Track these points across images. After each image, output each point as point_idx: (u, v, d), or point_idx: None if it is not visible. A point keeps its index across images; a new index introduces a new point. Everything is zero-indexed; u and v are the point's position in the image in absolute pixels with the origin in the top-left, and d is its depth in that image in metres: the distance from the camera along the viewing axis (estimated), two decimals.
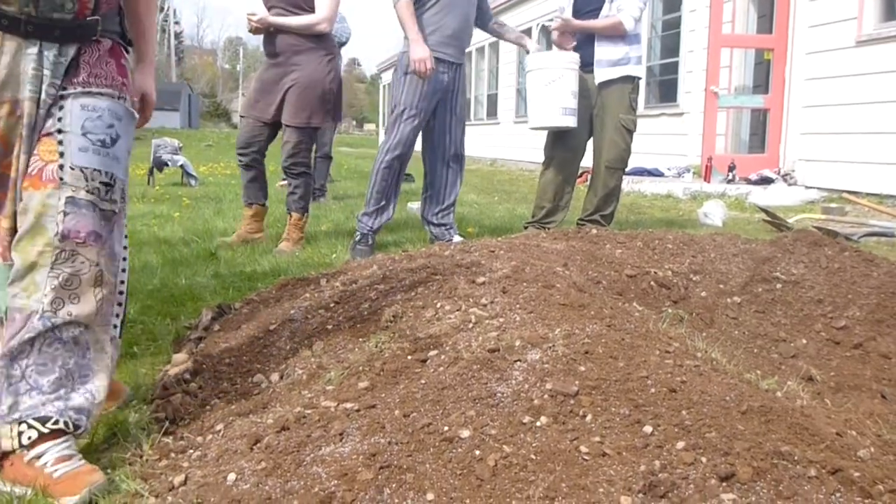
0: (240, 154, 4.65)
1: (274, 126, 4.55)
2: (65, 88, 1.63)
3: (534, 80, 4.49)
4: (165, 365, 2.42)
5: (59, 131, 1.61)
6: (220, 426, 1.81)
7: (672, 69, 10.86)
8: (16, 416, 1.57)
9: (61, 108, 1.62)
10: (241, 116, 4.70)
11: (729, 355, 2.31)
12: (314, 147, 5.11)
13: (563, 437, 1.43)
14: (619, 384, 1.59)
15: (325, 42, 4.46)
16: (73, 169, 1.60)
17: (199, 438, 1.77)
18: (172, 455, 1.71)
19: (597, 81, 4.53)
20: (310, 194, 4.76)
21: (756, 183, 8.10)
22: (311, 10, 4.34)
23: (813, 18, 7.98)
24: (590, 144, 4.79)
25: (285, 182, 8.29)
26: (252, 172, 4.65)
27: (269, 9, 4.40)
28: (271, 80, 4.44)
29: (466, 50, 4.50)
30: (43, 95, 1.60)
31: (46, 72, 1.59)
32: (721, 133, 9.25)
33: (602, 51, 4.50)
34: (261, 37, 4.54)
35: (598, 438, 1.42)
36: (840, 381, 2.41)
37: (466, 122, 4.81)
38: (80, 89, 1.64)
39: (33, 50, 1.56)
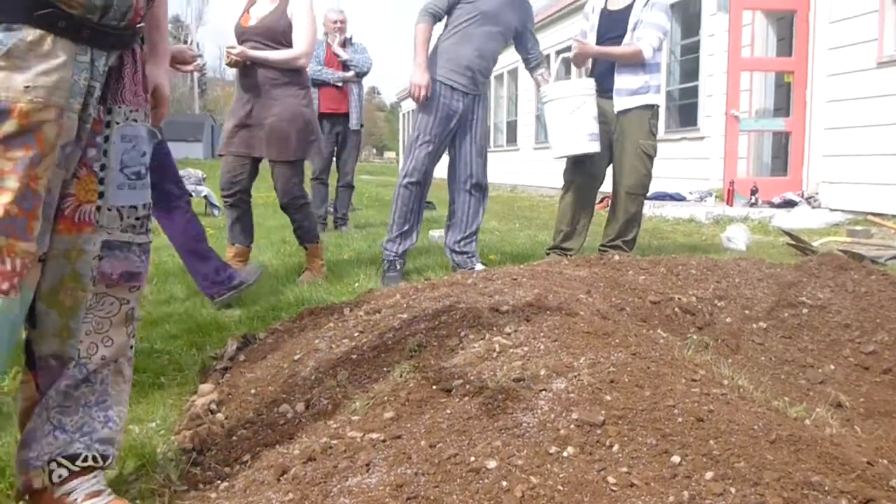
0: (224, 195, 4.48)
1: (255, 161, 4.39)
2: (110, 110, 1.51)
3: (556, 109, 4.51)
4: (192, 395, 2.44)
5: (103, 167, 1.51)
6: (247, 457, 1.82)
7: (692, 93, 10.87)
8: (45, 458, 1.56)
9: (107, 138, 1.51)
10: (220, 155, 4.52)
11: (756, 382, 2.29)
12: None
13: (590, 467, 1.42)
14: (645, 413, 1.59)
15: (300, 76, 4.38)
16: (110, 210, 1.52)
17: (227, 469, 1.78)
18: (200, 486, 1.72)
19: (616, 110, 4.55)
20: (315, 222, 4.68)
21: (779, 206, 8.06)
22: (288, 44, 4.25)
23: (833, 41, 7.97)
24: (610, 170, 4.81)
25: None
26: (237, 212, 4.47)
27: (242, 42, 4.28)
28: (249, 114, 4.29)
29: (483, 81, 4.52)
30: (91, 110, 1.46)
31: (95, 83, 1.45)
32: (743, 156, 9.22)
33: (622, 80, 4.53)
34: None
35: (625, 469, 1.41)
36: (870, 407, 2.38)
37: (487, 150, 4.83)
38: (124, 116, 1.53)
39: (85, 58, 1.42)
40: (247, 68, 4.29)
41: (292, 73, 4.31)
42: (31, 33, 1.33)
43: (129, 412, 2.29)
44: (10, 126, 1.31)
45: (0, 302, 1.34)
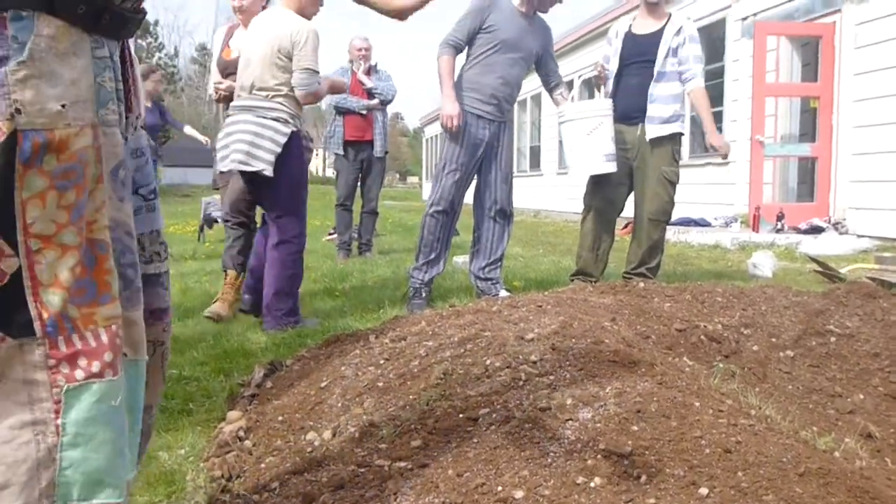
0: (228, 220, 4.34)
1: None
2: (126, 116, 1.16)
3: (574, 129, 4.54)
4: (220, 422, 2.47)
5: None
6: (275, 484, 1.83)
7: (716, 119, 10.80)
8: None
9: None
10: (216, 188, 4.36)
11: (783, 412, 2.27)
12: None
13: (617, 498, 1.42)
14: (672, 444, 1.58)
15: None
16: None
17: (255, 496, 1.80)
18: None
19: (648, 137, 4.57)
20: (249, 249, 4.29)
21: (806, 232, 7.99)
22: None
23: (858, 66, 7.94)
24: (632, 196, 4.82)
25: (332, 236, 8.39)
26: (243, 236, 4.26)
27: (227, 75, 4.16)
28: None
29: (508, 108, 4.57)
30: (122, 119, 1.12)
31: (120, 85, 1.11)
32: (768, 182, 9.17)
33: (655, 108, 4.56)
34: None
35: (653, 500, 1.41)
36: None
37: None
38: (132, 125, 1.21)
39: (104, 52, 1.06)
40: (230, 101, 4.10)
41: None
42: (47, 25, 0.97)
43: (158, 438, 2.33)
44: (52, 163, 0.96)
45: (95, 387, 1.01)
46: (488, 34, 4.37)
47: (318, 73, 3.83)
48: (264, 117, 3.76)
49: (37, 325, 0.96)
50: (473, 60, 4.44)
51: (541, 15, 4.60)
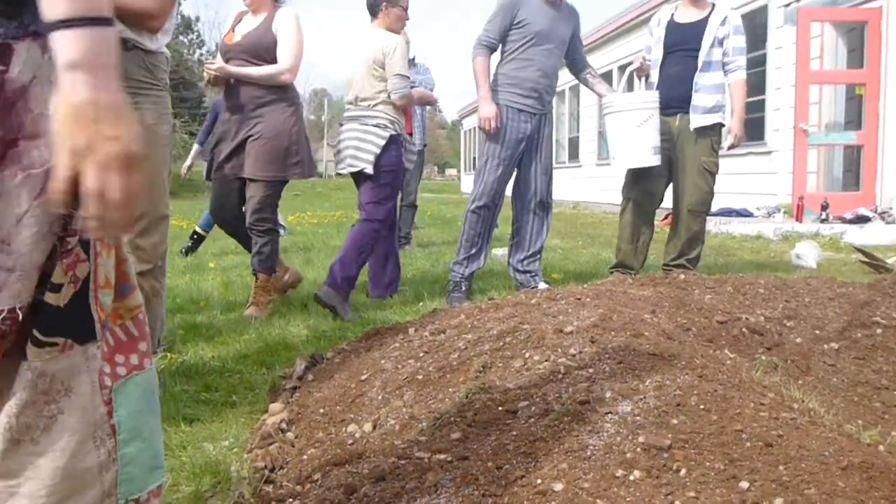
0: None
1: (243, 183, 4.19)
2: None
3: (622, 120, 4.50)
4: (263, 414, 2.51)
5: None
6: (317, 475, 1.86)
7: (759, 107, 10.66)
8: None
9: None
10: (209, 180, 4.41)
11: (827, 405, 2.24)
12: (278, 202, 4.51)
13: (657, 491, 1.42)
14: (712, 437, 1.58)
15: (288, 93, 4.17)
16: None
17: (298, 487, 1.83)
18: (273, 503, 1.77)
19: (692, 127, 4.53)
20: (277, 252, 4.34)
21: (851, 222, 7.84)
22: (274, 60, 4.05)
23: None
24: (671, 187, 4.77)
25: None
26: (269, 241, 4.24)
27: (227, 60, 4.14)
28: (235, 134, 4.14)
29: (549, 99, 4.57)
30: None
31: None
32: (812, 171, 9.01)
33: (699, 97, 4.54)
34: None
35: (692, 493, 1.41)
36: None
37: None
38: None
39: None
40: (231, 87, 4.14)
41: (278, 90, 4.11)
42: None
43: (202, 430, 2.39)
44: None
45: (137, 380, 1.03)
46: (521, 29, 4.36)
47: (408, 77, 4.29)
48: (366, 124, 4.24)
49: (97, 328, 0.97)
50: (510, 56, 4.43)
51: (568, 1, 4.59)
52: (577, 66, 4.78)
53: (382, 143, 4.20)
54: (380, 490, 1.60)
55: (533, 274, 4.60)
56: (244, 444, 2.25)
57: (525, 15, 4.35)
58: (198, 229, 7.38)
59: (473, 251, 4.51)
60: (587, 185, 16.45)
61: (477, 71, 4.41)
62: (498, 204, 4.55)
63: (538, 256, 4.65)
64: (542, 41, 4.39)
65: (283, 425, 2.32)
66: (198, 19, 42.39)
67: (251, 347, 3.48)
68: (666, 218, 7.48)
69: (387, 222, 4.45)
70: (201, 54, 39.68)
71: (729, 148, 4.71)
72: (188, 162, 8.32)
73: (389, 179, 4.31)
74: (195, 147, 7.84)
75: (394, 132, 4.25)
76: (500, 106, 4.38)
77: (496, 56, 4.53)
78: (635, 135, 4.45)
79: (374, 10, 4.40)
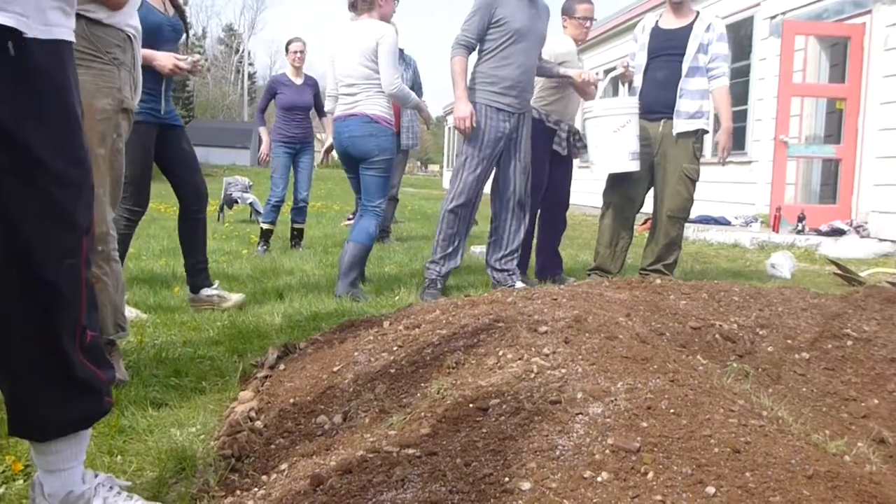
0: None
1: None
2: None
3: (601, 126, 4.51)
4: (232, 401, 2.49)
5: None
6: (284, 465, 1.85)
7: (741, 117, 10.74)
8: None
9: None
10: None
11: (796, 413, 2.26)
12: None
13: (623, 493, 1.42)
14: (681, 442, 1.58)
15: None
16: None
17: (264, 477, 1.82)
18: (238, 492, 1.75)
19: (675, 132, 4.55)
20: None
21: (827, 234, 7.92)
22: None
23: (887, 68, 7.84)
24: (651, 192, 4.80)
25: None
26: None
27: None
28: None
29: (528, 97, 4.56)
30: None
31: None
32: (791, 182, 9.09)
33: (683, 103, 4.56)
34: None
35: (659, 497, 1.41)
36: None
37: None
38: None
39: None
40: None
41: None
42: None
43: (170, 415, 2.36)
44: None
45: None
46: (500, 27, 4.35)
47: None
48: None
49: None
50: (488, 55, 4.41)
51: None
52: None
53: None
54: (346, 483, 1.59)
55: (510, 273, 4.60)
56: (212, 431, 2.23)
57: (503, 13, 4.33)
58: (264, 225, 7.03)
59: (450, 250, 4.50)
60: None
61: (454, 70, 4.40)
62: (475, 203, 4.54)
63: (515, 255, 4.65)
64: (521, 39, 4.37)
65: (252, 414, 2.30)
66: (185, 2, 41.97)
67: (224, 334, 3.45)
68: (645, 223, 7.52)
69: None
70: (186, 37, 39.28)
71: (722, 163, 4.76)
72: (264, 148, 7.45)
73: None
74: (262, 129, 7.49)
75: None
76: (478, 105, 4.37)
77: (476, 55, 4.52)
78: (613, 140, 4.46)
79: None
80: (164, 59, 3.65)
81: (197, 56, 3.84)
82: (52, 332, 1.46)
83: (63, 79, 1.45)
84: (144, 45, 3.58)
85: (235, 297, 4.11)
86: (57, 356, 1.47)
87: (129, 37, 2.66)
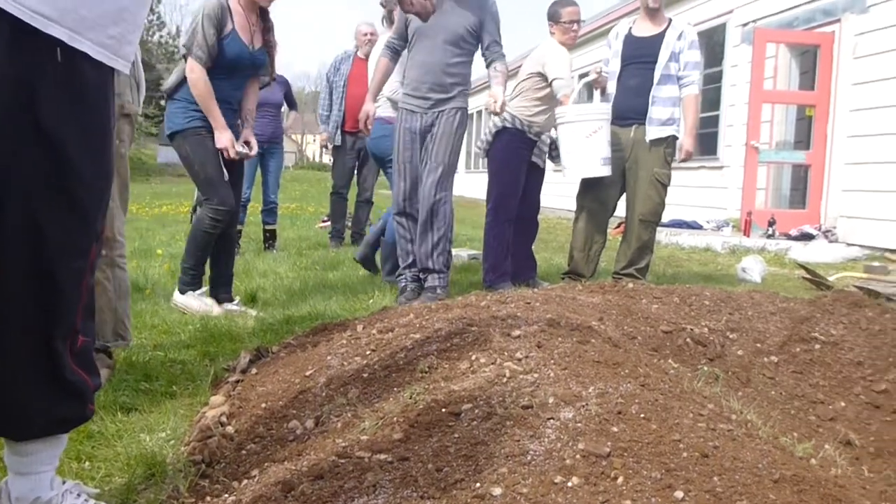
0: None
1: None
2: None
3: (573, 131, 4.54)
4: (203, 406, 2.47)
5: None
6: (255, 471, 1.84)
7: (713, 122, 10.86)
8: None
9: None
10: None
11: (765, 416, 2.29)
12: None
13: (594, 498, 1.43)
14: (651, 447, 1.59)
15: None
16: None
17: (235, 483, 1.81)
18: (208, 498, 1.74)
19: (647, 138, 4.59)
20: None
21: (796, 239, 8.03)
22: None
23: (856, 76, 7.96)
24: (624, 197, 4.84)
25: (325, 223, 8.35)
26: None
27: None
28: None
29: (440, 96, 4.35)
30: None
31: None
32: (761, 187, 9.21)
33: (655, 110, 4.60)
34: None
35: (629, 502, 1.42)
36: (880, 446, 2.38)
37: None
38: None
39: None
40: None
41: None
42: None
43: (140, 420, 2.34)
44: None
45: None
46: (409, 27, 4.37)
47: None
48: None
49: None
50: (408, 57, 4.46)
51: None
52: (484, 57, 4.48)
53: None
54: (318, 489, 1.59)
55: (429, 272, 4.43)
56: (182, 436, 2.21)
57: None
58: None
59: (410, 259, 4.48)
60: (542, 190, 16.52)
61: (375, 68, 4.56)
62: (410, 210, 4.45)
63: (429, 262, 4.40)
64: (422, 37, 4.33)
65: (224, 419, 2.28)
66: (160, 1, 41.65)
67: (195, 337, 3.42)
68: (619, 226, 7.57)
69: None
70: (161, 36, 38.95)
71: (680, 161, 4.78)
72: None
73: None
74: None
75: None
76: (399, 107, 4.46)
77: None
78: (584, 145, 4.49)
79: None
80: (223, 138, 3.86)
81: (247, 151, 4.03)
82: (47, 332, 1.46)
83: (104, 95, 1.51)
84: (223, 70, 3.74)
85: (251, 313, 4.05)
86: (48, 357, 1.48)
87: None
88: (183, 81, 3.82)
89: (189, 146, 3.86)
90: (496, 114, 4.36)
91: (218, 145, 3.83)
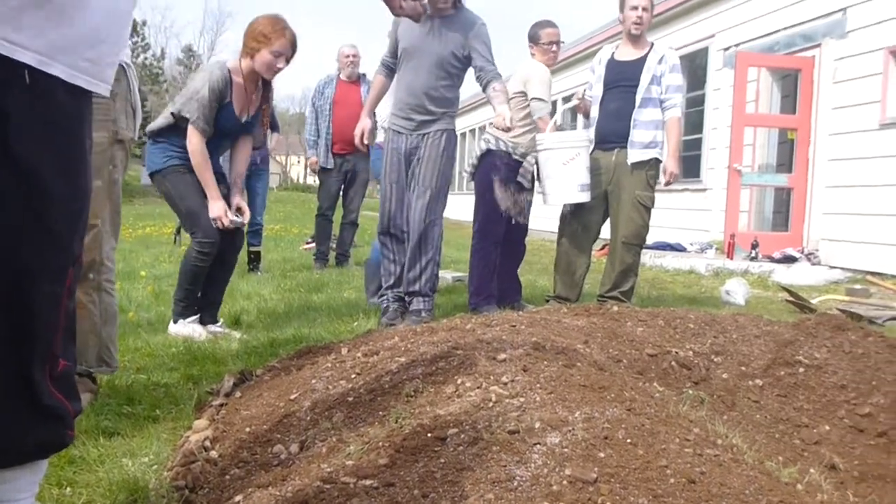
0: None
1: None
2: None
3: (552, 158, 4.59)
4: (187, 430, 2.44)
5: None
6: (239, 497, 1.82)
7: (695, 145, 10.96)
8: None
9: None
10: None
11: (750, 441, 2.29)
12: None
13: None
14: (638, 472, 1.59)
15: None
16: None
17: None
18: None
19: (629, 161, 4.63)
20: None
21: (779, 261, 8.09)
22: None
23: (836, 100, 8.07)
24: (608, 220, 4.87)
25: (310, 245, 8.34)
26: None
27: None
28: None
29: (424, 118, 4.36)
30: None
31: None
32: (744, 210, 9.28)
33: (637, 133, 4.64)
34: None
35: None
36: (864, 470, 2.38)
37: (458, 192, 4.93)
38: None
39: None
40: None
41: None
42: None
43: (122, 444, 2.31)
44: None
45: None
46: (399, 48, 4.40)
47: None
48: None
49: None
50: (396, 77, 4.51)
51: (469, 11, 4.39)
52: (478, 80, 4.45)
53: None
54: None
55: (416, 294, 4.42)
56: (165, 461, 2.19)
57: (401, 32, 4.36)
58: None
59: (392, 281, 4.49)
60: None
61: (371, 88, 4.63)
62: (394, 231, 4.46)
63: (416, 285, 4.40)
64: (407, 59, 4.37)
65: (207, 443, 2.26)
66: (144, 23, 41.71)
67: (179, 360, 3.39)
68: (603, 248, 7.60)
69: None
70: (146, 58, 38.99)
71: (665, 184, 4.81)
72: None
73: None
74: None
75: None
76: (387, 127, 4.50)
77: None
78: (563, 172, 4.54)
79: None
80: (216, 207, 3.86)
81: (240, 220, 4.03)
82: (22, 356, 1.42)
83: (80, 117, 1.48)
84: (213, 134, 3.83)
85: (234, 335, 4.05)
86: (25, 382, 1.44)
87: (122, 66, 2.68)
88: (167, 129, 3.87)
89: (169, 182, 3.90)
90: (507, 130, 4.33)
91: (211, 215, 3.85)
